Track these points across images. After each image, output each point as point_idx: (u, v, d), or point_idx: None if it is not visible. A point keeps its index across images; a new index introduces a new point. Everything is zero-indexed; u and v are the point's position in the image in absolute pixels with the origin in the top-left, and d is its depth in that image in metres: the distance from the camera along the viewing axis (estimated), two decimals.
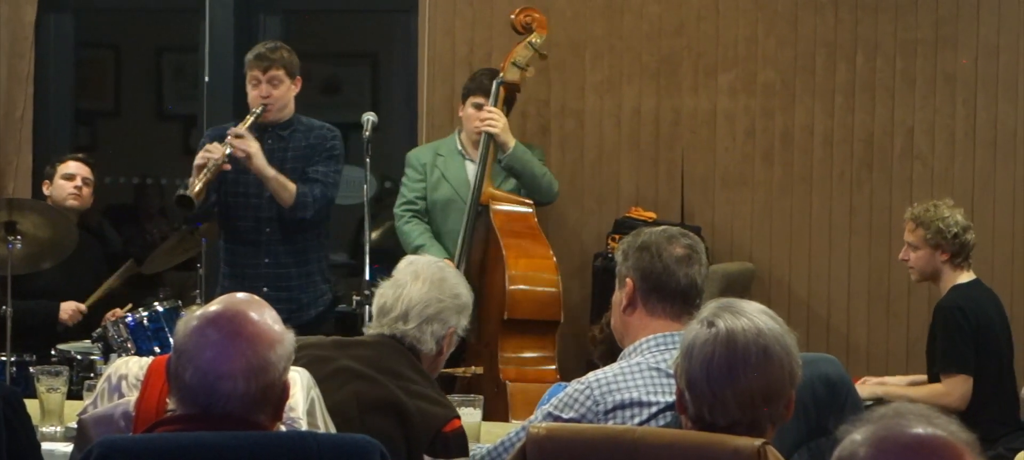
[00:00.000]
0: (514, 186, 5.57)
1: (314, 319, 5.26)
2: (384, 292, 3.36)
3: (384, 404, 3.19)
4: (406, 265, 3.41)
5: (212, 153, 5.07)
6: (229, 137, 5.12)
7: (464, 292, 3.38)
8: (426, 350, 3.31)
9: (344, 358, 3.27)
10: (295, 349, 3.30)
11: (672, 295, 3.11)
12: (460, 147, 5.64)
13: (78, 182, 5.73)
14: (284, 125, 5.30)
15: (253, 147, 5.12)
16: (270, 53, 5.25)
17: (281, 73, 5.24)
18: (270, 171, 5.13)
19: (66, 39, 6.79)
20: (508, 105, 5.60)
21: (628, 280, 3.15)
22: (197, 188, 5.02)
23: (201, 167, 5.07)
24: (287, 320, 5.51)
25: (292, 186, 5.17)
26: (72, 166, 5.75)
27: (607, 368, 3.10)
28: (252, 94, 5.26)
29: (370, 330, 3.40)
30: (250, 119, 5.19)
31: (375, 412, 3.18)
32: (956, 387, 4.72)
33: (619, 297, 3.17)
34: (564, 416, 3.01)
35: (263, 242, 5.28)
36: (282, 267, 5.28)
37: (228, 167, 5.10)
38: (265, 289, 5.20)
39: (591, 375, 3.08)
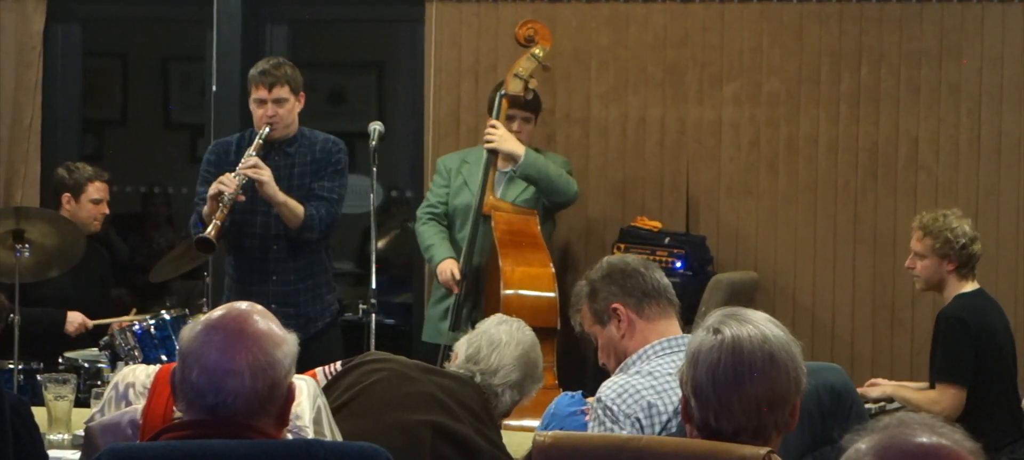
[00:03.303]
0: (532, 194, 5.60)
1: (322, 330, 5.27)
2: (478, 342, 3.48)
3: (461, 440, 3.28)
4: (499, 322, 3.54)
5: (227, 187, 5.03)
6: (241, 170, 5.08)
7: (541, 362, 3.54)
8: (500, 409, 3.45)
9: (428, 383, 3.36)
10: (378, 362, 3.38)
11: (657, 292, 3.23)
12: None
13: (104, 208, 5.78)
14: (289, 141, 5.27)
15: (265, 175, 5.09)
16: (274, 70, 5.22)
17: (285, 90, 5.21)
18: (280, 197, 5.12)
19: (74, 49, 6.81)
20: (533, 110, 5.65)
21: (615, 307, 3.22)
22: (212, 230, 4.98)
23: (216, 200, 5.02)
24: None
25: (300, 210, 5.15)
26: (100, 188, 5.78)
27: (633, 379, 3.13)
28: (257, 114, 5.23)
29: (453, 367, 3.51)
30: (259, 141, 5.16)
31: (449, 443, 3.28)
32: (946, 397, 4.72)
33: (612, 331, 3.24)
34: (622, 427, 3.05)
35: (270, 260, 5.27)
36: (289, 284, 5.28)
37: (243, 198, 5.08)
38: (273, 306, 5.23)
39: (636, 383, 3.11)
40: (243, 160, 5.11)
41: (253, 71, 5.28)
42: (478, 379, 3.42)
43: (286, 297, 5.24)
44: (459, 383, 3.39)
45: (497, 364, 3.42)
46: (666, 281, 3.29)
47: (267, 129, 5.18)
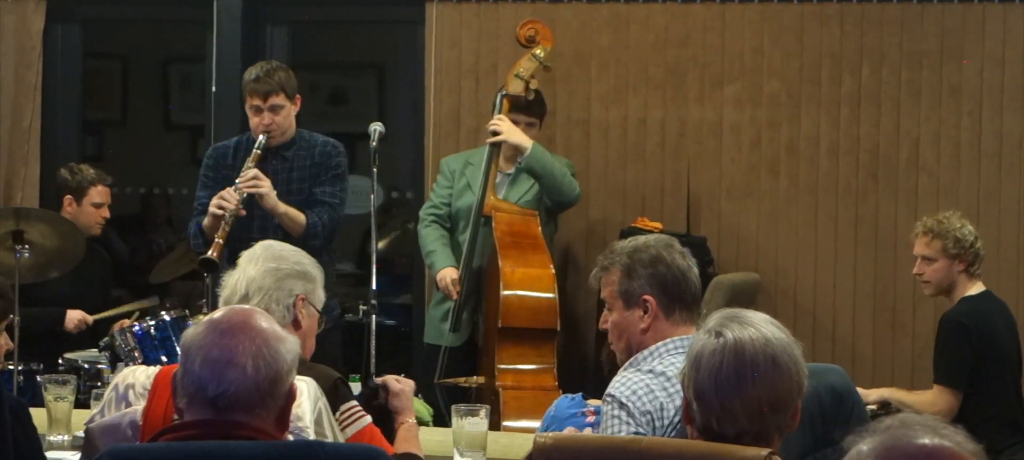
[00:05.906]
0: (533, 196, 5.59)
1: (322, 334, 5.21)
2: (227, 282, 3.37)
3: None
4: (246, 253, 3.41)
5: (228, 203, 4.94)
6: (241, 185, 4.99)
7: (306, 261, 3.38)
8: (278, 320, 3.23)
9: None
10: None
11: (691, 300, 3.18)
12: None
13: (106, 212, 5.79)
14: (287, 145, 5.19)
15: (265, 187, 5.01)
16: (268, 77, 5.11)
17: (281, 98, 5.12)
18: (281, 208, 5.04)
19: (74, 49, 6.81)
20: (538, 115, 5.64)
21: (647, 298, 3.16)
22: (214, 251, 4.88)
23: (218, 218, 4.94)
24: None
25: (302, 218, 5.08)
26: (103, 193, 5.78)
27: (645, 376, 3.11)
28: (254, 121, 5.14)
29: None
30: (257, 151, 5.07)
31: None
32: (942, 399, 4.73)
33: (634, 317, 3.17)
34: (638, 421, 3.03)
35: None
36: None
37: (243, 212, 4.99)
38: None
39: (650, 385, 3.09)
40: (242, 174, 5.02)
41: (247, 77, 5.18)
42: None
43: None
44: None
45: (246, 287, 3.29)
46: (699, 285, 3.24)
47: (265, 138, 5.10)
